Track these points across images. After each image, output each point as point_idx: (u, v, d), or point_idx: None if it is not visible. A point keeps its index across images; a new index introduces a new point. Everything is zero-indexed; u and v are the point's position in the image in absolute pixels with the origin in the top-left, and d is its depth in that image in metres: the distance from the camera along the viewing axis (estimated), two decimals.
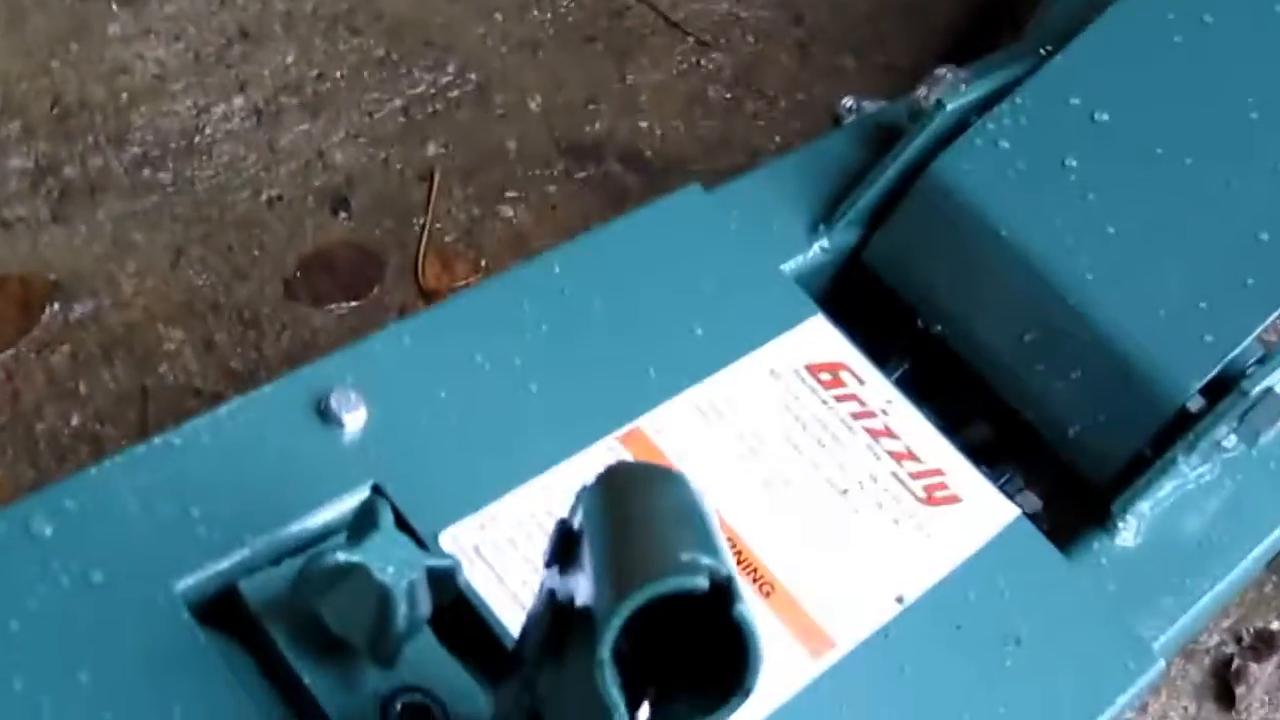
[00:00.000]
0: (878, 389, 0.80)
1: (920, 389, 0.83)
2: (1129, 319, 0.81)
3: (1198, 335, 0.81)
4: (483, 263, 1.26)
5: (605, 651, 0.44)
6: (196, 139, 1.28)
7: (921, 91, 0.90)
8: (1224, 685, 1.11)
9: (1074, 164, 0.86)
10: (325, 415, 0.68)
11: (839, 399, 0.79)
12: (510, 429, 0.71)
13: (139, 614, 0.60)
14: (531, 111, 1.38)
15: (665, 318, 0.79)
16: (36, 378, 1.11)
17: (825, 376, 0.79)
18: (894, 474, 0.76)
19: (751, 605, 0.45)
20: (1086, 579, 0.77)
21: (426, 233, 1.26)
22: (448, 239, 1.27)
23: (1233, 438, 0.81)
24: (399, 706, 0.59)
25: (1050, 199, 0.85)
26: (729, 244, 0.84)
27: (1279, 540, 0.84)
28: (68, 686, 0.57)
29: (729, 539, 0.70)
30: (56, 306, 1.15)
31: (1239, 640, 1.14)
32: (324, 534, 0.65)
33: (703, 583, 0.44)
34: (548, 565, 0.52)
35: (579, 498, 0.50)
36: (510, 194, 1.31)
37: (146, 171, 1.25)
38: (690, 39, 1.48)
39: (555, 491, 0.70)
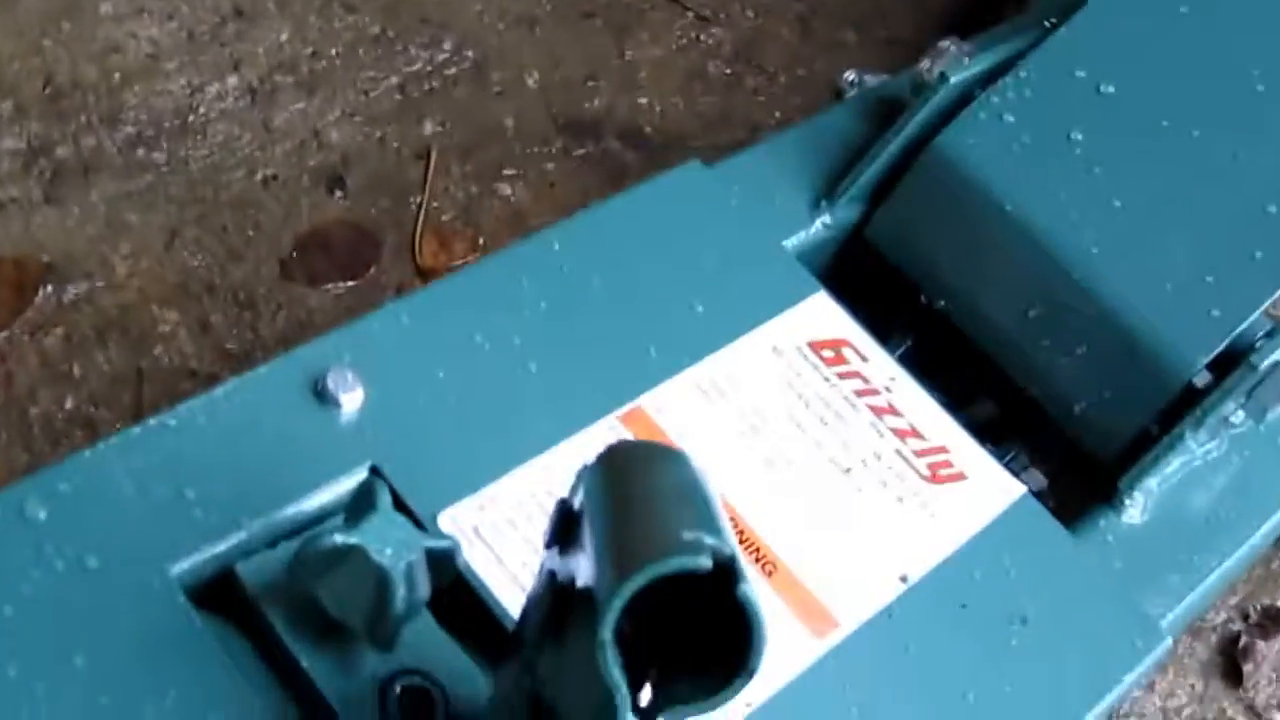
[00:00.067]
0: (881, 366, 0.79)
1: (924, 366, 0.82)
2: (1135, 294, 0.81)
3: (1204, 310, 0.80)
4: (481, 241, 1.25)
5: (607, 632, 0.43)
6: (190, 118, 1.27)
7: (924, 65, 0.89)
8: (1231, 663, 1.11)
9: (1079, 137, 0.86)
10: (322, 396, 0.68)
11: (842, 376, 0.78)
12: (509, 408, 0.71)
13: (134, 598, 0.60)
14: (529, 88, 1.37)
15: (666, 295, 0.78)
16: (30, 360, 1.10)
17: (828, 354, 0.79)
18: (898, 452, 0.76)
19: (755, 585, 0.44)
20: (1093, 557, 0.77)
21: (424, 211, 1.25)
22: (445, 218, 1.26)
23: (1240, 413, 0.81)
24: (398, 689, 0.59)
25: (1055, 173, 0.84)
26: (730, 220, 0.83)
27: None
28: (63, 671, 0.57)
29: (731, 518, 0.70)
30: (50, 288, 1.15)
31: (1246, 617, 1.13)
32: (321, 516, 0.65)
33: (706, 562, 0.43)
34: (548, 546, 0.52)
35: (579, 477, 0.50)
36: (508, 172, 1.30)
37: (140, 151, 1.24)
38: (689, 14, 1.47)
39: (555, 471, 0.69)
